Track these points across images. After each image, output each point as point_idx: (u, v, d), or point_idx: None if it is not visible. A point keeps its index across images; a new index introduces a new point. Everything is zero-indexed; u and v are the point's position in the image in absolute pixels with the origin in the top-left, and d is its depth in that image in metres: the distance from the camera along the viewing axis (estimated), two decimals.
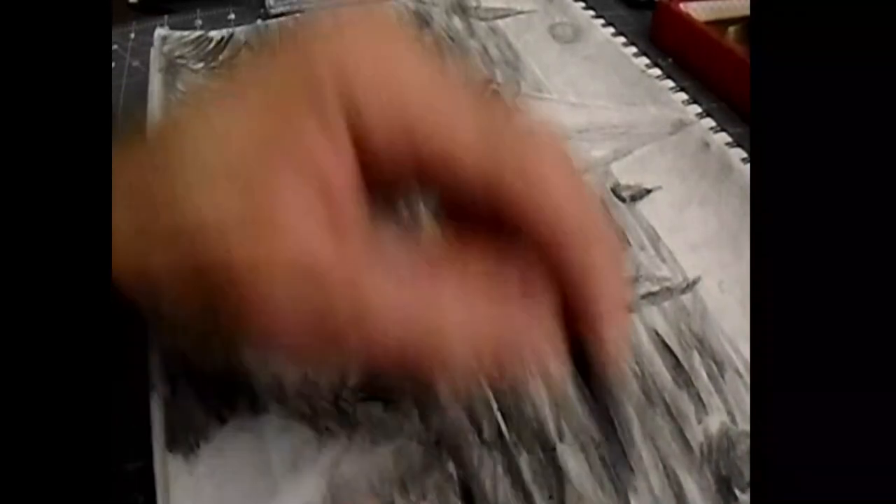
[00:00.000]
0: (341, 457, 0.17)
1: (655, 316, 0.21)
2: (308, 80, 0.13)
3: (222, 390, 0.19)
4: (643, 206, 0.25)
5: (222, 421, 0.18)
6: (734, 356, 0.20)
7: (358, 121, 0.13)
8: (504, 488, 0.17)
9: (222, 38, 0.34)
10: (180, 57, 0.32)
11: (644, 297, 0.21)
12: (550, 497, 0.17)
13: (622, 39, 0.33)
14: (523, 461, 0.17)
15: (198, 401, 0.19)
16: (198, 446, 0.18)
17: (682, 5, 0.32)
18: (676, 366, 0.20)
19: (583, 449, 0.18)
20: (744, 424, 0.18)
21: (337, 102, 0.13)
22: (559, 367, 0.15)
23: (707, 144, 0.26)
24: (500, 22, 0.35)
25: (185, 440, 0.18)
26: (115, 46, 0.34)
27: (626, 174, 0.26)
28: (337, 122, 0.13)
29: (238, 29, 0.34)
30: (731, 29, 0.32)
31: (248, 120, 0.13)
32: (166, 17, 0.36)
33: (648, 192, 0.25)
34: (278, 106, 0.13)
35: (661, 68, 0.31)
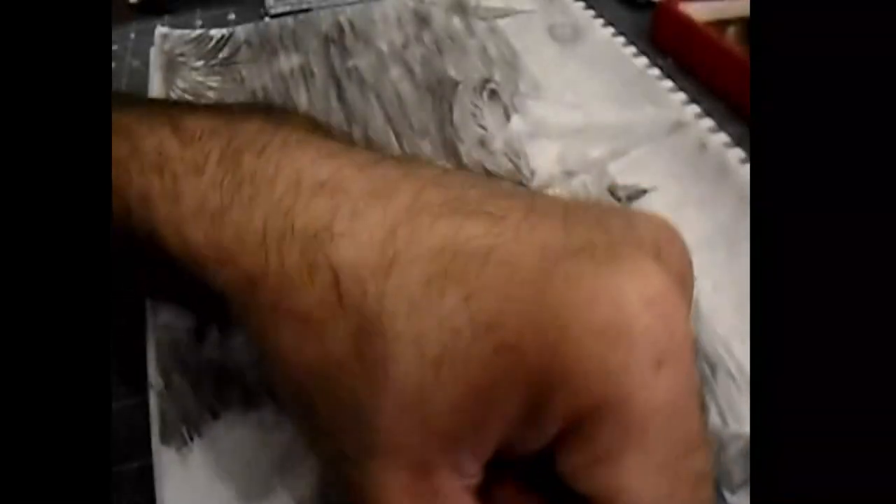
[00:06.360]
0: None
1: None
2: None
3: (216, 385, 0.19)
4: (639, 206, 0.25)
5: (215, 415, 0.18)
6: (727, 358, 0.20)
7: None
8: None
9: (223, 37, 0.34)
10: (181, 55, 0.33)
11: None
12: None
13: (622, 39, 0.33)
14: None
15: (191, 394, 0.19)
16: (191, 439, 0.18)
17: (682, 5, 0.32)
18: None
19: None
20: (735, 426, 0.18)
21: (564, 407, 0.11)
22: None
23: (704, 146, 0.26)
24: (499, 21, 0.35)
25: (178, 433, 0.18)
26: (115, 46, 0.34)
27: (623, 174, 0.26)
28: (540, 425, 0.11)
29: (238, 28, 0.35)
30: (731, 29, 0.32)
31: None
32: (166, 17, 0.36)
33: (644, 192, 0.25)
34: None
35: (660, 68, 0.31)
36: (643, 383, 0.11)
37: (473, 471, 0.12)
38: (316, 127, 0.16)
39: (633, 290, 0.11)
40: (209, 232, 0.13)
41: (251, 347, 0.20)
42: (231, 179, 0.14)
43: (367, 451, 0.12)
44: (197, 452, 0.18)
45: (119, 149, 0.15)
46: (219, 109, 0.16)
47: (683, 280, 0.12)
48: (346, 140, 0.15)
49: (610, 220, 0.12)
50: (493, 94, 0.30)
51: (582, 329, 0.11)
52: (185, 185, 0.14)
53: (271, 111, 0.16)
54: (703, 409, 0.12)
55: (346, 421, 0.12)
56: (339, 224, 0.12)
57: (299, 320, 0.12)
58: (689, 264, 0.13)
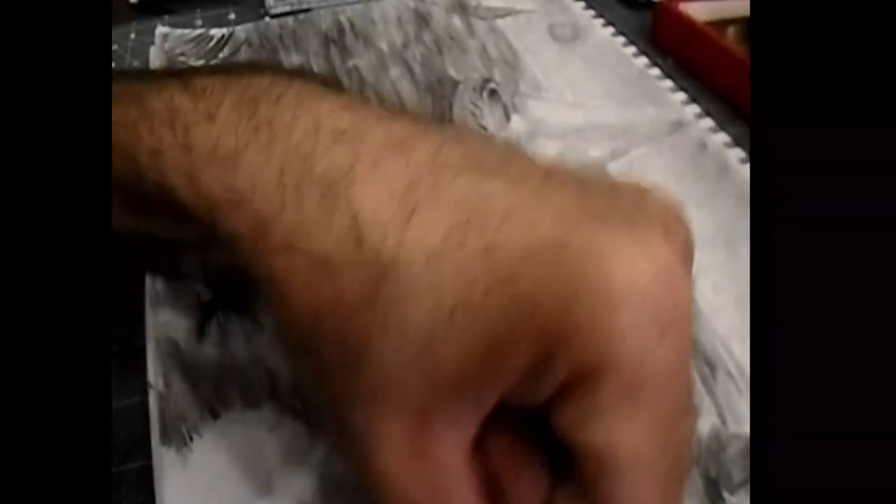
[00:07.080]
0: (333, 452, 0.18)
1: None
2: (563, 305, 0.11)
3: (216, 385, 0.19)
4: None
5: (215, 415, 0.18)
6: (726, 358, 0.20)
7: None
8: None
9: (223, 36, 0.34)
10: (181, 54, 0.33)
11: None
12: None
13: (622, 39, 0.33)
14: None
15: (191, 394, 0.19)
16: (191, 440, 0.18)
17: (682, 5, 0.32)
18: None
19: None
20: (734, 426, 0.18)
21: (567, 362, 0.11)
22: None
23: (704, 145, 0.26)
24: (499, 21, 0.35)
25: (178, 433, 0.18)
26: (115, 46, 0.34)
27: (623, 174, 0.26)
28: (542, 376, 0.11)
29: (238, 28, 0.35)
30: (731, 29, 0.32)
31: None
32: (166, 17, 0.36)
33: None
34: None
35: (660, 68, 0.31)
36: (647, 347, 0.11)
37: (472, 424, 0.12)
38: (327, 83, 0.16)
39: (645, 260, 0.11)
40: (222, 175, 0.13)
41: (251, 346, 0.20)
42: (246, 124, 0.13)
43: (371, 394, 0.12)
44: (197, 452, 0.18)
45: (129, 112, 0.15)
46: (227, 68, 0.16)
47: (687, 256, 0.13)
48: (360, 97, 0.15)
49: (622, 194, 0.13)
50: (493, 93, 0.30)
51: (595, 289, 0.11)
52: (197, 132, 0.14)
53: (280, 68, 0.16)
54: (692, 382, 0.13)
55: (351, 363, 0.12)
56: (359, 171, 0.12)
57: (315, 261, 0.12)
58: (692, 242, 0.13)
